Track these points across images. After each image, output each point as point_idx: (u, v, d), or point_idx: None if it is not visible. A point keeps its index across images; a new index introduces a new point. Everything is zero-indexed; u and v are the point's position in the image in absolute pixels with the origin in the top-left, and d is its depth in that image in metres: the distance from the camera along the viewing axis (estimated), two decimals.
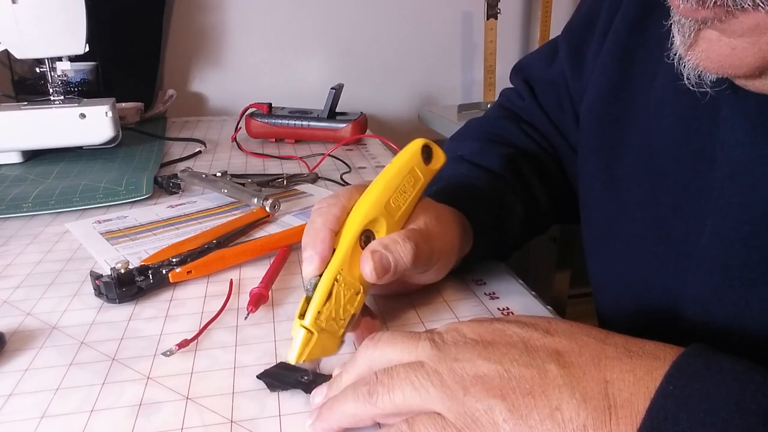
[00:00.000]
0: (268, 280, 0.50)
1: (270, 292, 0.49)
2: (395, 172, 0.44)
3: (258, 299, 0.47)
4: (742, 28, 0.29)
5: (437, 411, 0.30)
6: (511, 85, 0.68)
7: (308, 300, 0.40)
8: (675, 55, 0.35)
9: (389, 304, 0.48)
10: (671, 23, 0.34)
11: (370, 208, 0.42)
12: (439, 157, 0.46)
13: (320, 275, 0.40)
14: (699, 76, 0.35)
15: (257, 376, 0.39)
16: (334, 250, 0.41)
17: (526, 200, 0.56)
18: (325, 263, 0.40)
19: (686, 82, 0.35)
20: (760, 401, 0.25)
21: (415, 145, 0.45)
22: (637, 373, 0.28)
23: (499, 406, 0.29)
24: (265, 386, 0.38)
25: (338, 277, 0.40)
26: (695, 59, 0.33)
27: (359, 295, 0.41)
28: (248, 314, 0.46)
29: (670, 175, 0.42)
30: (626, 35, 0.48)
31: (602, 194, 0.50)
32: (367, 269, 0.40)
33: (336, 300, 0.40)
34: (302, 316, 0.39)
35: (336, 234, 0.42)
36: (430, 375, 0.31)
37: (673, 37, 0.34)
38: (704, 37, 0.32)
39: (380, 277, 0.40)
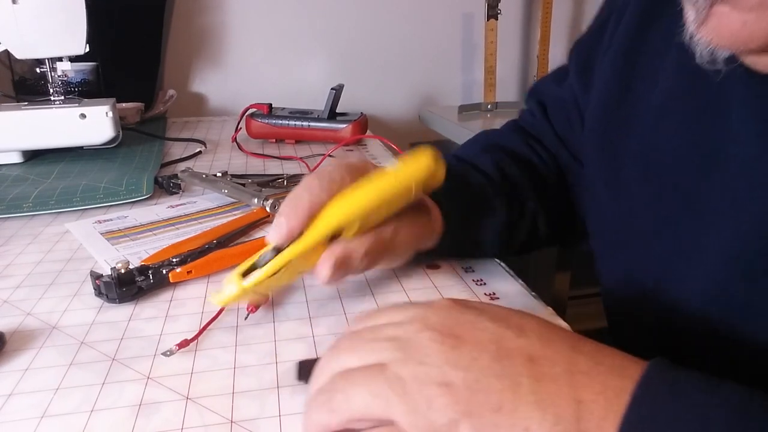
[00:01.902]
0: None
1: (270, 292, 0.49)
2: (392, 185, 0.42)
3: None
4: (750, 3, 0.31)
5: (398, 422, 0.29)
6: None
7: (255, 265, 0.41)
8: (687, 34, 0.35)
9: (389, 303, 0.48)
10: (683, 3, 0.35)
11: (352, 215, 0.42)
12: (439, 176, 0.44)
13: (278, 250, 0.41)
14: (711, 53, 0.35)
15: (299, 363, 0.39)
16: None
17: (512, 204, 0.56)
18: (290, 239, 0.41)
19: (699, 61, 0.36)
20: (727, 417, 0.25)
21: (423, 161, 0.43)
22: (607, 395, 0.27)
23: (465, 423, 0.27)
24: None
25: (291, 262, 0.41)
26: (707, 35, 0.33)
27: (300, 275, 0.43)
28: (248, 314, 0.46)
29: (676, 175, 0.43)
30: (628, 42, 0.49)
31: (607, 197, 0.50)
32: (322, 275, 0.42)
33: (278, 277, 0.42)
34: (244, 274, 0.41)
35: (313, 216, 0.42)
36: (391, 382, 0.29)
37: (686, 14, 0.34)
38: (716, 12, 0.32)
39: (330, 284, 0.43)
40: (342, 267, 0.42)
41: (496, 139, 0.63)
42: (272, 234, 0.41)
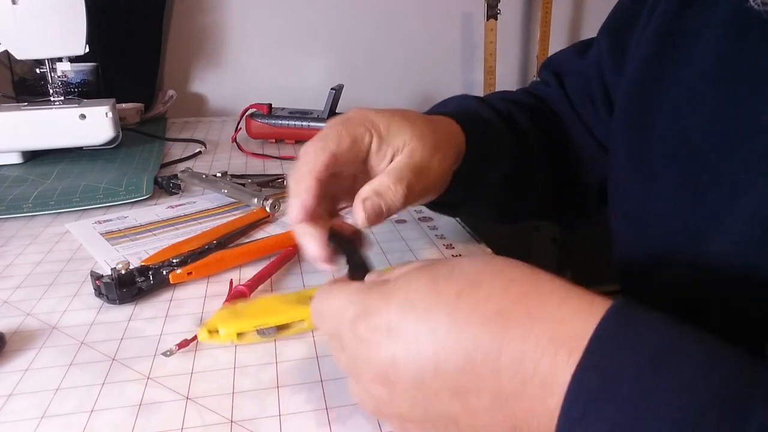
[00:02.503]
0: (257, 279, 0.50)
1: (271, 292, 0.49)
2: None
3: (236, 296, 0.47)
4: None
5: None
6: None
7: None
8: None
9: None
10: None
11: None
12: None
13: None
14: None
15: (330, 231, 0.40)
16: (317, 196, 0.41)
17: (519, 145, 0.56)
18: (308, 213, 0.41)
19: (753, 4, 0.36)
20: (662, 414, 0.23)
21: None
22: (538, 417, 0.26)
23: None
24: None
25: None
26: None
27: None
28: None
29: (705, 151, 0.42)
30: (665, 24, 0.48)
31: (633, 177, 0.50)
32: (360, 218, 0.40)
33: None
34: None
35: (322, 181, 0.41)
36: None
37: None
38: None
39: (372, 224, 0.40)
40: (377, 209, 0.40)
41: (507, 95, 0.63)
42: (290, 216, 0.41)
